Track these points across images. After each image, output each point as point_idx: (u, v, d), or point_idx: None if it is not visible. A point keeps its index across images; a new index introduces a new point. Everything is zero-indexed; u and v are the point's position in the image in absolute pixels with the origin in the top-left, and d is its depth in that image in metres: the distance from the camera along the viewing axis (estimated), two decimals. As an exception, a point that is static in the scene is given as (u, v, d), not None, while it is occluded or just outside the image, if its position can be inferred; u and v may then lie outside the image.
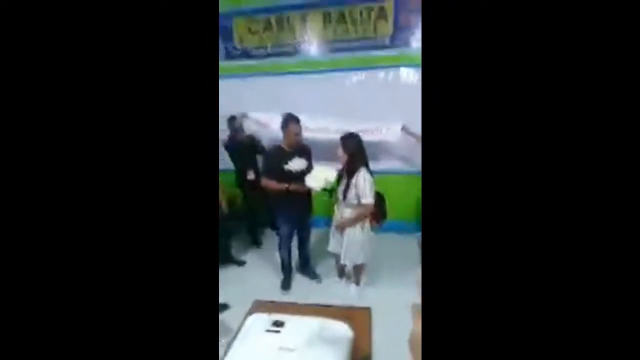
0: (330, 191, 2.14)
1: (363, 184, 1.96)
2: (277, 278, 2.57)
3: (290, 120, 2.14)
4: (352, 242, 2.12)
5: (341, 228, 2.11)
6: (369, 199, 1.96)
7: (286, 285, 2.52)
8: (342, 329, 0.91)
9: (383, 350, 1.16)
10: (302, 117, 2.25)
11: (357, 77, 3.04)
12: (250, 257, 2.99)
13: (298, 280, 2.62)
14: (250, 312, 1.06)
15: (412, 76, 2.95)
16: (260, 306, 1.14)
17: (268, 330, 0.91)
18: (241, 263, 2.86)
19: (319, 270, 2.67)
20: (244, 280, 2.61)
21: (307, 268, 2.63)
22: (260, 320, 0.95)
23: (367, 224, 2.11)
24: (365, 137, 2.58)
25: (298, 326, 0.92)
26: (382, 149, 3.00)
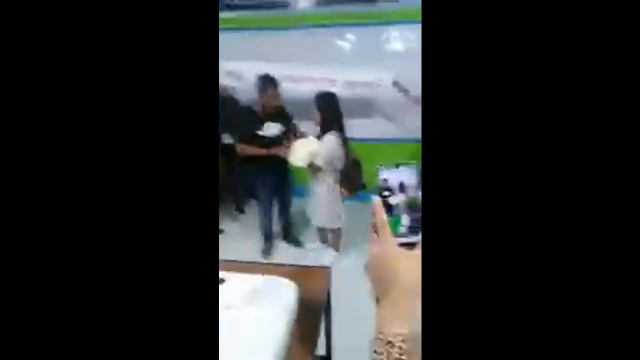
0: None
1: (323, 147, 1.89)
2: (258, 245, 2.49)
3: (268, 84, 1.93)
4: (320, 204, 2.07)
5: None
6: (321, 162, 1.90)
7: (267, 251, 2.43)
8: (287, 287, 0.81)
9: (340, 310, 1.09)
10: (286, 67, 2.07)
11: (349, 33, 2.82)
12: (233, 225, 2.91)
13: (280, 248, 2.55)
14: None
15: (410, 34, 2.72)
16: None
17: (205, 287, 0.82)
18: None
19: (303, 238, 2.58)
20: (224, 248, 2.55)
21: (289, 235, 2.54)
22: (199, 277, 0.86)
23: (337, 189, 2.04)
24: (355, 90, 2.43)
25: (239, 283, 0.82)
26: (372, 107, 2.82)
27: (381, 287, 0.35)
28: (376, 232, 0.36)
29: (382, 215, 0.36)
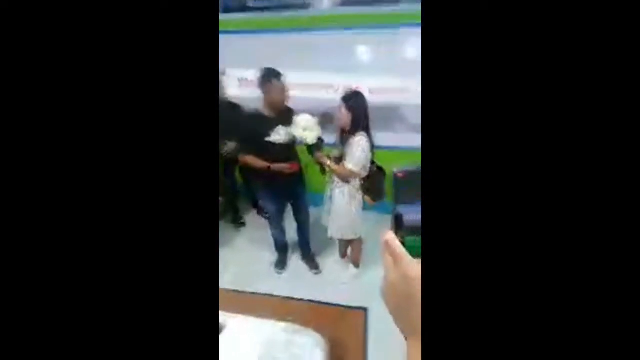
0: (311, 147, 1.71)
1: (355, 149, 1.64)
2: (271, 256, 2.27)
3: (271, 77, 1.64)
4: (338, 212, 1.83)
5: (321, 160, 1.76)
6: (353, 166, 1.66)
7: (281, 264, 2.21)
8: (309, 342, 0.60)
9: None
10: (295, 73, 1.84)
11: (371, 35, 2.57)
12: (236, 236, 2.67)
13: (295, 259, 2.32)
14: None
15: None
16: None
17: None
18: None
19: (320, 250, 2.34)
20: (237, 261, 2.34)
21: (306, 255, 2.25)
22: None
23: (358, 197, 1.80)
24: (376, 99, 2.25)
25: (244, 334, 0.61)
26: (395, 115, 2.60)
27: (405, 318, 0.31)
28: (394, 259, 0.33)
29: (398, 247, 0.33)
